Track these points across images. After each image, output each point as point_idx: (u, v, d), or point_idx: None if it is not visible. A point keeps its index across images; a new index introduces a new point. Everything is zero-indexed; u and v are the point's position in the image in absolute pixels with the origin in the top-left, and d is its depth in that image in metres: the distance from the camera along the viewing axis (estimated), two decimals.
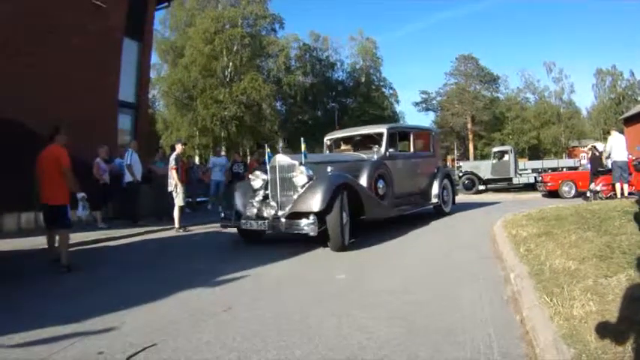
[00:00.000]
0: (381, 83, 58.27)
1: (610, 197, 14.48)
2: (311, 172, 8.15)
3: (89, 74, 13.37)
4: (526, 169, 26.90)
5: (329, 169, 8.54)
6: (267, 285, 5.78)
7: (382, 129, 10.91)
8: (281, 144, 9.97)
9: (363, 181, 9.20)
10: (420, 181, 11.90)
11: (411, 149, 11.89)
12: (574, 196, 18.59)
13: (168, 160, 12.13)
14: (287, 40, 49.72)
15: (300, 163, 8.25)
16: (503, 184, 25.47)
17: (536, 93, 63.93)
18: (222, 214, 9.31)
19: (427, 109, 67.73)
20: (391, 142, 10.90)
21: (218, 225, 9.84)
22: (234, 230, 9.28)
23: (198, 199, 17.69)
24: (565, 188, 19.42)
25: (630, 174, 14.43)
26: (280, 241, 8.98)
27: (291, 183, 8.28)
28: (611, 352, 2.83)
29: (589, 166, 19.93)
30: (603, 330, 3.12)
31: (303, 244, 8.07)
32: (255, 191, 9.04)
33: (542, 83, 63.47)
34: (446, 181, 12.71)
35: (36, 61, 11.74)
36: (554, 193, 19.65)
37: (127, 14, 15.48)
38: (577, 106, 64.50)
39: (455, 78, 64.13)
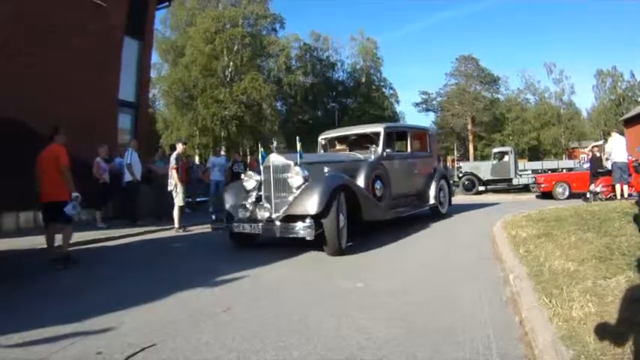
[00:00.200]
0: (382, 83, 58.34)
1: (610, 198, 14.48)
2: (307, 173, 7.77)
3: (89, 73, 13.38)
4: (526, 170, 26.95)
5: (325, 169, 8.18)
6: (266, 286, 5.78)
7: (379, 128, 10.68)
8: (275, 143, 9.72)
9: (360, 182, 8.90)
10: (418, 182, 11.71)
11: (408, 149, 11.66)
12: (568, 198, 18.58)
13: (169, 159, 12.13)
14: (287, 39, 49.82)
15: (296, 164, 7.88)
16: (503, 185, 25.46)
17: (536, 94, 63.95)
18: (213, 216, 9.11)
19: (427, 110, 67.79)
20: (388, 142, 10.70)
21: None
22: None
23: (198, 199, 17.68)
24: (559, 189, 19.32)
25: (630, 175, 14.43)
26: (277, 243, 8.61)
27: (285, 184, 7.89)
28: (610, 354, 2.83)
29: (585, 166, 19.92)
30: (602, 331, 3.11)
31: (299, 246, 7.75)
32: (247, 192, 8.66)
33: (542, 84, 63.55)
34: (442, 181, 12.53)
35: (36, 61, 11.75)
36: (547, 195, 19.59)
37: (128, 13, 15.51)
38: (577, 107, 64.64)
39: (455, 79, 64.17)
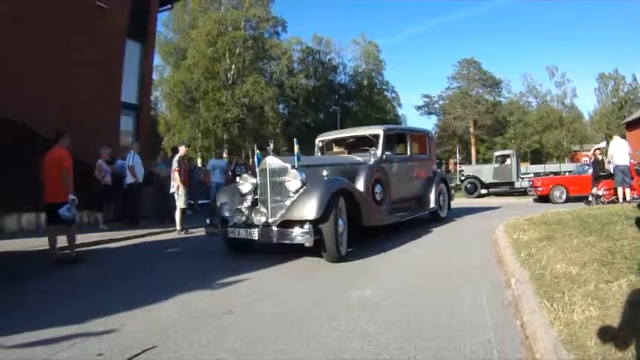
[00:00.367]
0: (384, 87, 58.54)
1: (612, 202, 14.46)
2: (304, 176, 7.38)
3: (92, 76, 13.42)
4: (528, 174, 26.92)
5: (324, 172, 7.93)
6: (266, 289, 5.77)
7: (378, 130, 10.39)
8: (271, 145, 9.54)
9: (360, 185, 8.62)
10: (417, 186, 11.51)
11: (408, 152, 11.36)
12: (565, 201, 18.48)
13: (171, 162, 12.15)
14: (290, 43, 49.93)
15: (293, 167, 7.49)
16: (506, 189, 25.40)
17: (538, 97, 64.00)
18: (208, 220, 8.60)
19: (429, 113, 67.98)
20: (387, 145, 10.43)
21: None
22: None
23: (200, 202, 17.68)
24: (556, 193, 19.20)
25: (632, 178, 14.39)
26: (275, 247, 8.20)
27: (282, 188, 7.51)
28: (611, 358, 2.82)
29: (585, 169, 19.84)
30: (603, 336, 3.10)
31: (299, 249, 7.44)
32: (243, 196, 8.24)
33: (544, 87, 63.65)
34: (442, 185, 12.36)
35: (38, 63, 11.79)
36: (545, 198, 19.46)
37: (130, 16, 15.58)
38: (579, 111, 64.71)
39: (457, 82, 64.43)
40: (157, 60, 43.21)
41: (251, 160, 30.27)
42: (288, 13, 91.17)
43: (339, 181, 7.75)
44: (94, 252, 9.27)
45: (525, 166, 31.30)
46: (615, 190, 14.19)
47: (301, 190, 7.28)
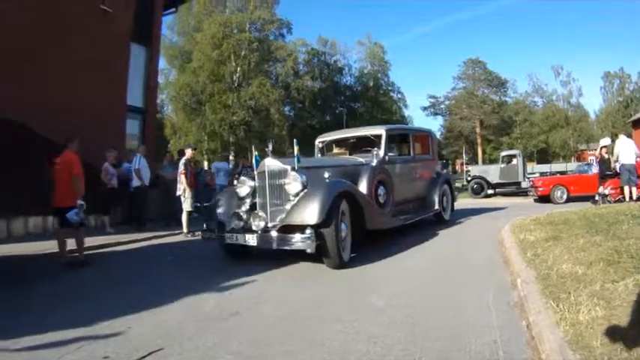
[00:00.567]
0: (389, 87, 58.33)
1: (618, 201, 14.39)
2: (305, 179, 7.08)
3: (97, 79, 13.48)
4: (534, 173, 26.86)
5: (326, 174, 7.45)
6: (271, 291, 5.79)
7: (380, 130, 10.04)
8: (270, 146, 9.29)
9: (363, 187, 8.28)
10: (421, 187, 11.18)
11: (411, 152, 11.03)
12: (566, 201, 18.31)
13: (177, 164, 12.18)
14: (295, 44, 49.83)
15: (293, 168, 7.18)
16: (512, 189, 25.31)
17: (544, 97, 63.74)
18: (204, 225, 8.32)
19: (435, 114, 68.03)
20: (390, 145, 10.13)
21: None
22: None
23: (205, 204, 17.69)
24: (557, 193, 19.01)
25: (638, 177, 14.31)
26: (276, 251, 7.40)
27: (282, 191, 7.23)
28: (617, 359, 2.82)
29: (586, 168, 19.73)
30: (609, 336, 3.10)
31: (301, 253, 6.95)
32: (240, 199, 7.92)
33: (549, 87, 63.38)
34: (445, 186, 11.92)
35: (44, 68, 11.84)
36: (545, 199, 19.25)
37: (134, 19, 15.63)
38: (585, 110, 64.31)
39: (463, 82, 64.42)
40: (163, 63, 43.38)
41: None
42: (292, 15, 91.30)
43: (341, 184, 7.43)
44: (101, 255, 9.31)
45: (532, 166, 31.28)
46: (622, 189, 14.12)
47: (302, 193, 6.98)
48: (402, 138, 11.49)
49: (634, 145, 14.25)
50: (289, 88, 46.90)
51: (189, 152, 12.10)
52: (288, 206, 7.05)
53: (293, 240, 6.51)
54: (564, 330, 3.31)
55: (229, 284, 6.10)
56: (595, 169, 18.85)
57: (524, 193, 24.81)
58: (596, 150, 19.80)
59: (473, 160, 57.06)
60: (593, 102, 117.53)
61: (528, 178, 25.38)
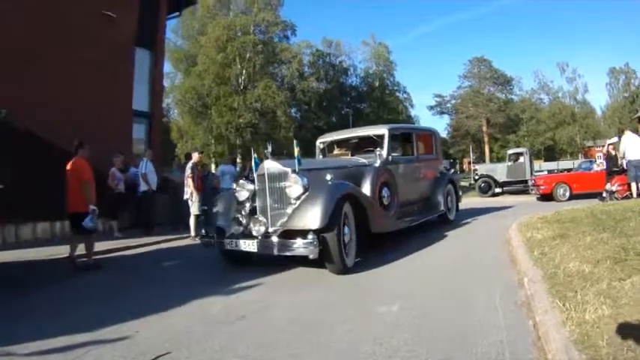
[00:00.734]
0: (395, 87, 58.37)
1: (626, 197, 14.32)
2: (306, 181, 6.81)
3: (102, 85, 13.56)
4: (542, 171, 26.76)
5: (328, 176, 7.10)
6: (277, 294, 5.80)
7: (383, 130, 9.77)
8: (269, 148, 8.91)
9: (366, 189, 7.98)
10: (425, 188, 10.95)
11: (414, 152, 10.71)
12: (569, 199, 18.12)
13: (185, 168, 12.22)
14: (300, 46, 49.89)
15: (294, 171, 6.90)
16: (520, 187, 25.21)
17: (550, 94, 63.47)
18: (203, 231, 7.99)
19: (442, 113, 67.85)
20: (393, 145, 9.81)
21: None
22: None
23: (204, 208, 17.71)
24: (559, 191, 18.77)
25: None
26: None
27: (283, 194, 6.96)
28: (623, 358, 2.81)
29: (589, 165, 19.59)
30: (615, 335, 3.09)
31: (305, 258, 6.70)
32: (240, 204, 7.64)
33: (555, 84, 63.07)
34: (450, 186, 11.71)
35: (49, 73, 11.93)
36: (547, 197, 18.98)
37: (138, 24, 15.70)
38: (591, 106, 63.86)
39: (468, 80, 64.23)
40: (168, 67, 43.51)
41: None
42: (296, 17, 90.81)
43: (344, 186, 7.12)
44: (109, 259, 9.33)
45: (539, 164, 31.17)
46: (629, 185, 14.06)
47: (303, 197, 6.71)
48: (405, 137, 11.07)
49: None
50: (295, 90, 46.93)
51: (195, 156, 12.13)
52: (289, 210, 6.81)
53: (295, 246, 6.26)
54: (570, 329, 3.29)
55: (235, 288, 6.11)
56: (596, 166, 18.76)
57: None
58: (603, 147, 19.65)
59: (480, 159, 56.90)
60: (599, 98, 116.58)
61: (535, 175, 25.30)
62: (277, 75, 47.45)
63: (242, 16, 42.69)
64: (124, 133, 14.92)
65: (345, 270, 6.48)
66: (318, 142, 11.22)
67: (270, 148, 7.70)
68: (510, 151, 27.46)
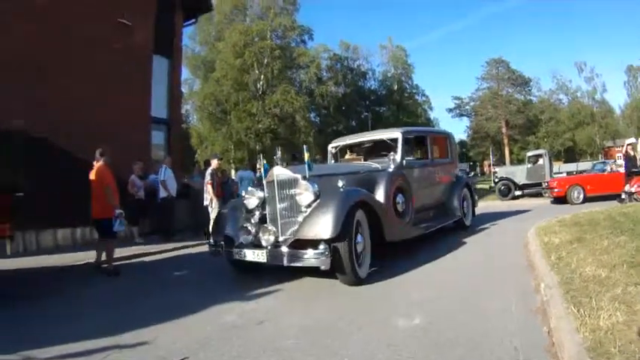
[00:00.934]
0: (414, 90, 58.15)
1: None
2: (317, 188, 6.52)
3: (121, 92, 13.69)
4: (561, 173, 26.50)
5: (340, 183, 6.84)
6: (294, 301, 5.86)
7: (397, 133, 9.47)
8: (278, 153, 8.54)
9: (380, 195, 7.66)
10: (441, 193, 10.66)
11: (429, 156, 10.40)
12: (583, 202, 17.78)
13: (205, 174, 12.31)
14: (317, 50, 49.85)
15: (304, 177, 6.62)
16: (539, 189, 24.97)
17: (568, 94, 62.87)
18: (210, 240, 7.75)
19: (461, 115, 67.58)
20: (407, 149, 9.55)
21: None
22: None
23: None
24: (574, 194, 18.41)
25: None
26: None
27: (293, 202, 6.70)
28: None
29: (602, 167, 19.34)
30: (629, 342, 3.10)
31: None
32: (249, 212, 7.40)
33: (573, 83, 62.44)
34: (465, 190, 11.40)
35: (67, 82, 12.06)
36: (561, 200, 18.71)
37: (155, 31, 15.89)
38: (610, 105, 62.84)
39: (487, 82, 63.84)
40: (186, 73, 43.86)
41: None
42: (312, 21, 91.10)
43: (356, 193, 6.88)
44: (129, 265, 9.48)
45: (558, 166, 30.88)
46: None
47: (314, 204, 6.43)
48: (419, 141, 10.75)
49: None
50: (313, 95, 46.88)
51: (215, 162, 12.23)
52: (299, 218, 6.52)
53: (305, 256, 6.00)
54: (584, 336, 3.30)
55: (253, 294, 6.17)
56: (609, 168, 18.51)
57: None
58: (622, 147, 19.40)
59: (500, 161, 56.50)
60: (617, 97, 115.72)
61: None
62: (295, 80, 47.40)
63: (259, 22, 42.76)
64: (142, 140, 15.05)
65: (357, 281, 6.24)
66: (330, 147, 11.07)
67: (279, 154, 7.50)
68: (530, 153, 27.20)
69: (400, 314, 4.74)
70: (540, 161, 24.77)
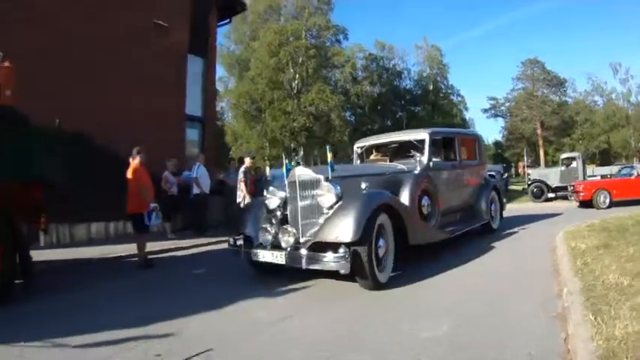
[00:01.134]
0: (449, 90, 57.58)
1: None
2: (340, 190, 6.35)
3: (156, 91, 14.03)
4: (595, 176, 26.08)
5: (363, 185, 6.63)
6: (323, 297, 5.98)
7: (424, 134, 9.25)
8: (300, 153, 8.47)
9: (405, 198, 7.52)
10: (468, 195, 10.41)
11: (457, 157, 10.14)
12: (609, 207, 17.24)
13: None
14: (352, 50, 49.73)
15: (327, 179, 6.46)
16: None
17: (603, 95, 61.79)
18: (231, 240, 7.51)
19: (496, 116, 66.85)
20: (434, 150, 9.36)
21: None
22: None
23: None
24: (600, 198, 17.79)
25: None
26: None
27: (314, 203, 6.56)
28: None
29: (629, 171, 18.94)
30: None
31: None
32: (270, 212, 7.24)
33: (609, 85, 61.31)
34: (493, 193, 11.10)
35: (105, 80, 12.43)
36: (587, 204, 18.07)
37: (190, 32, 16.22)
38: None
39: (522, 83, 63.06)
40: (221, 71, 44.22)
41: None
42: (347, 20, 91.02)
43: (380, 195, 6.73)
44: (161, 259, 9.69)
45: (592, 169, 30.41)
46: None
47: (336, 206, 6.27)
48: (446, 142, 10.42)
49: None
50: (349, 94, 46.78)
51: (248, 161, 12.41)
52: (321, 220, 6.40)
53: (325, 259, 5.83)
54: (597, 344, 3.32)
55: (286, 289, 6.32)
56: (635, 172, 18.12)
57: None
58: None
59: (535, 163, 55.74)
60: None
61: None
62: (330, 79, 47.29)
63: (293, 21, 42.77)
64: (177, 137, 15.33)
65: (377, 286, 6.10)
66: (355, 147, 10.87)
67: (301, 153, 7.23)
68: (563, 156, 26.90)
69: (424, 317, 4.81)
70: (574, 164, 24.48)
